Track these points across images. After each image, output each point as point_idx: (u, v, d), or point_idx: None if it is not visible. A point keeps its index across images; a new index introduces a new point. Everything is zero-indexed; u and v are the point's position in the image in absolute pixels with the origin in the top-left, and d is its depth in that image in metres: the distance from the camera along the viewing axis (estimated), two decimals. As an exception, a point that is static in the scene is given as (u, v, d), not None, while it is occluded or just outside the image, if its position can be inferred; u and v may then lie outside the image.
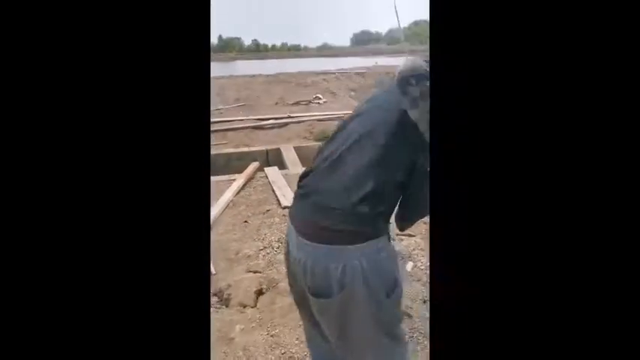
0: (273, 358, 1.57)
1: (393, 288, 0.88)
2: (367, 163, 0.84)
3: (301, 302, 0.99)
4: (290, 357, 1.57)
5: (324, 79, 11.70)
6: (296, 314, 1.81)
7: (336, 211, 0.83)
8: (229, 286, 2.06)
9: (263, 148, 5.27)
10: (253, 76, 12.97)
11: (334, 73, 12.47)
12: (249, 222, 2.88)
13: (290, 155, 4.93)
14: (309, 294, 0.87)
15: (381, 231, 0.86)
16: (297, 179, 0.98)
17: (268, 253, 2.42)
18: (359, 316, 0.86)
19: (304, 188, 0.93)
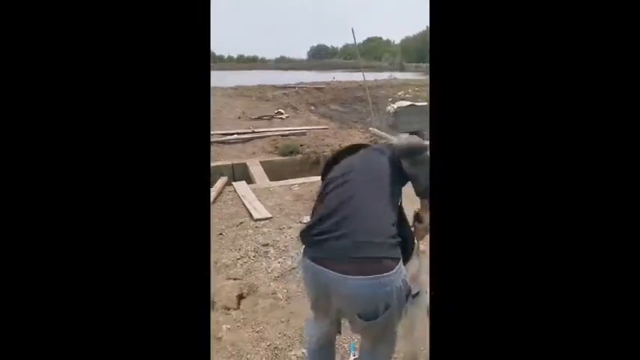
0: (259, 350, 1.81)
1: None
2: (387, 200, 1.09)
3: (332, 324, 1.22)
4: (275, 347, 1.82)
5: (285, 94, 12.00)
6: (278, 313, 2.06)
7: (378, 245, 0.99)
8: (212, 292, 2.26)
9: (229, 162, 5.41)
10: (212, 88, 12.98)
11: (294, 88, 12.81)
12: (224, 234, 3.07)
13: (257, 170, 5.13)
14: (359, 319, 1.03)
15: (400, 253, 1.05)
16: (308, 228, 1.11)
17: (245, 262, 2.64)
18: (393, 326, 1.13)
19: (333, 232, 1.02)
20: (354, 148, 1.35)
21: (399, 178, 1.16)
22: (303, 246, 1.14)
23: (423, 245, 1.49)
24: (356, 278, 0.97)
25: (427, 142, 0.99)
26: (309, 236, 1.10)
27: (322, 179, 1.31)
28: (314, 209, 1.26)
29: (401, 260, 1.03)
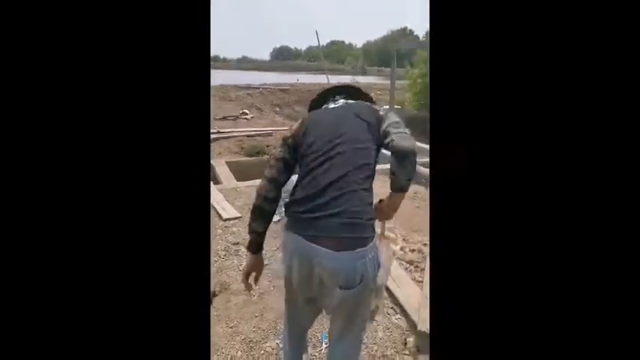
0: (234, 343, 1.85)
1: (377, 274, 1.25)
2: (370, 181, 1.15)
3: (308, 303, 1.28)
4: (250, 340, 1.87)
5: (249, 94, 11.89)
6: (251, 308, 2.12)
7: (362, 225, 1.10)
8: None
9: (194, 163, 5.31)
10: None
11: (258, 88, 12.74)
12: (192, 234, 3.06)
13: (223, 170, 5.10)
14: (340, 289, 1.12)
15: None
16: (291, 199, 1.17)
17: (216, 261, 2.65)
18: (365, 300, 1.21)
19: (323, 211, 1.10)
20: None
21: (377, 159, 1.21)
22: (287, 218, 1.20)
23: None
24: (342, 253, 1.08)
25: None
26: (297, 212, 1.16)
27: (301, 127, 1.27)
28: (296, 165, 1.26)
29: (376, 235, 1.17)
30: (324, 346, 1.82)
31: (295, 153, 1.24)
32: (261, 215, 1.23)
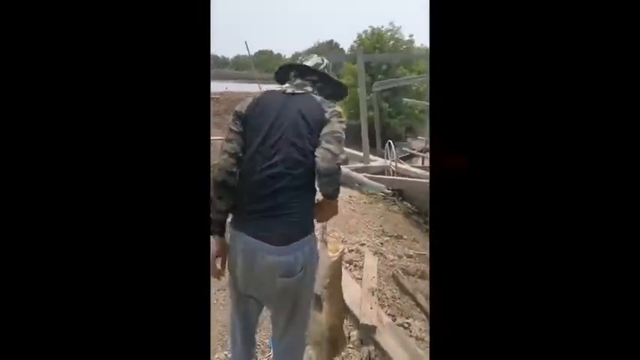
0: None
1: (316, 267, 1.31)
2: (304, 177, 1.16)
3: (252, 297, 1.30)
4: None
5: (175, 103, 11.32)
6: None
7: (305, 223, 1.19)
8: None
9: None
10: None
11: (185, 98, 12.16)
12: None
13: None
14: (280, 278, 1.17)
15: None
16: (240, 204, 1.19)
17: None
18: (307, 291, 1.24)
19: (267, 212, 1.16)
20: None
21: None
22: (232, 216, 1.24)
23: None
24: (281, 247, 1.15)
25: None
26: (238, 210, 1.22)
27: (252, 104, 1.25)
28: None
29: (314, 229, 1.25)
30: (272, 352, 1.85)
31: (246, 127, 1.24)
32: (227, 191, 1.22)
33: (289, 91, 1.27)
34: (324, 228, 1.37)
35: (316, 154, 1.13)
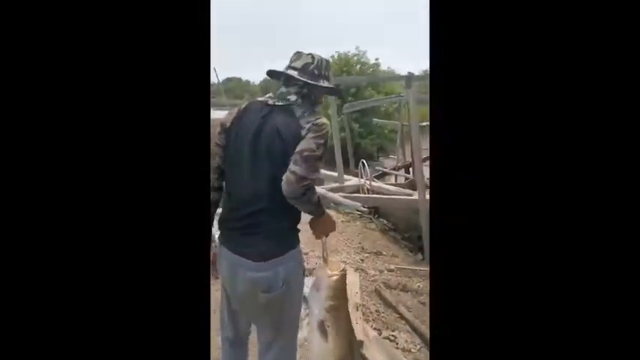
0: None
1: (302, 285, 1.31)
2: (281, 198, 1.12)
3: (238, 312, 1.31)
4: None
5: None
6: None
7: (283, 239, 1.19)
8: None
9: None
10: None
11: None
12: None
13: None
14: (262, 293, 1.16)
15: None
16: (223, 220, 1.21)
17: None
18: (291, 306, 1.25)
19: (245, 228, 1.17)
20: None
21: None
22: (219, 230, 1.26)
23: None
24: (263, 263, 1.15)
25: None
26: (222, 226, 1.23)
27: (236, 116, 1.23)
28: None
29: (299, 244, 1.25)
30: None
31: (229, 140, 1.22)
32: (213, 207, 1.24)
33: (270, 102, 1.21)
34: (325, 244, 1.30)
35: (284, 175, 1.08)
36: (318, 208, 1.18)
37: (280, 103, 1.20)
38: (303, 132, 1.13)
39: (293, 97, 1.20)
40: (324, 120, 1.17)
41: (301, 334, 1.73)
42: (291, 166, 1.09)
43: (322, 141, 1.13)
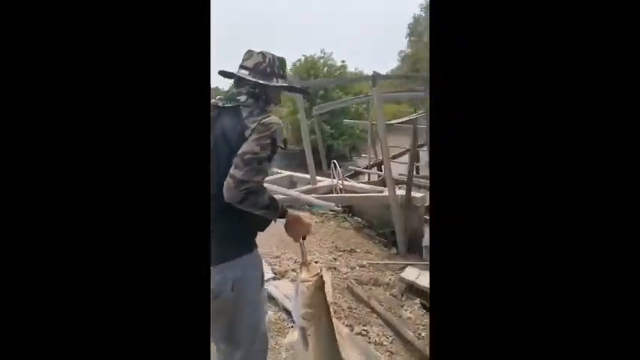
0: None
1: (260, 291, 1.26)
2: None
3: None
4: None
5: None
6: None
7: (233, 244, 1.16)
8: None
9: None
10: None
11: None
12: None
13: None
14: (213, 300, 1.08)
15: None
16: None
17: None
18: (243, 310, 1.19)
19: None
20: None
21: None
22: None
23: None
24: (213, 268, 1.07)
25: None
26: None
27: None
28: None
29: (256, 248, 1.23)
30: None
31: None
32: None
33: (220, 104, 1.18)
34: (303, 246, 1.25)
35: (225, 179, 1.05)
36: (272, 210, 1.12)
37: (228, 105, 1.17)
38: (247, 133, 1.10)
39: (243, 98, 1.18)
40: (272, 119, 1.12)
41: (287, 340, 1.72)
42: (231, 170, 1.05)
43: (268, 141, 1.09)
